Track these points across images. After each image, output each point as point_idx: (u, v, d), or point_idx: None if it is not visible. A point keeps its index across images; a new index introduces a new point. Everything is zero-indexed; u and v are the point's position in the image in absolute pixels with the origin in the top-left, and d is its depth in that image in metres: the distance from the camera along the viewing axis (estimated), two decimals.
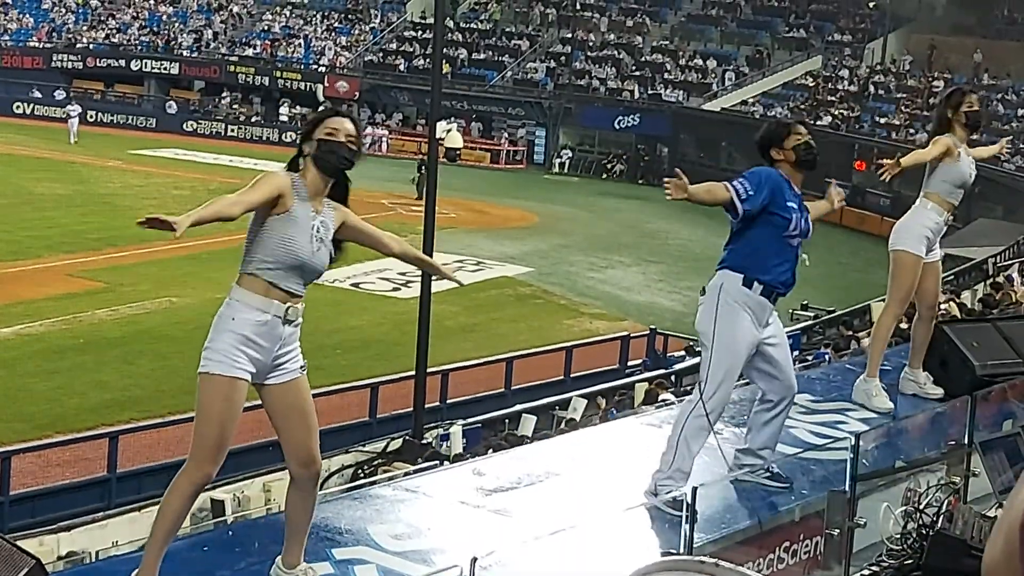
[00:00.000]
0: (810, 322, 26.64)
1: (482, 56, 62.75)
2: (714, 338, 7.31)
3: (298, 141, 6.01)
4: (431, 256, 20.16)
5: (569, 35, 62.87)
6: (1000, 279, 23.77)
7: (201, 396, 5.75)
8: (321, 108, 5.77)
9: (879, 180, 9.58)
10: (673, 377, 20.90)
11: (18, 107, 60.67)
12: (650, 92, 58.78)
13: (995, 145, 10.58)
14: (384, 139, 60.09)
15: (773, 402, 7.59)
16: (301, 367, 5.95)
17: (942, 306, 22.04)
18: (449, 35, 59.88)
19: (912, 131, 51.79)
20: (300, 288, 5.86)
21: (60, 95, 61.32)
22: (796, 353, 21.02)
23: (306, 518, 6.09)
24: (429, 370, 19.85)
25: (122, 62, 64.79)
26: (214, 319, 5.79)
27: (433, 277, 6.89)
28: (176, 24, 67.57)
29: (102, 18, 68.13)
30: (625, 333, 26.85)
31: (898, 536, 6.38)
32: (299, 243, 5.76)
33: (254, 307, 5.75)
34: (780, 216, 7.32)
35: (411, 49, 63.42)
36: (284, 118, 61.17)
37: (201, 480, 5.80)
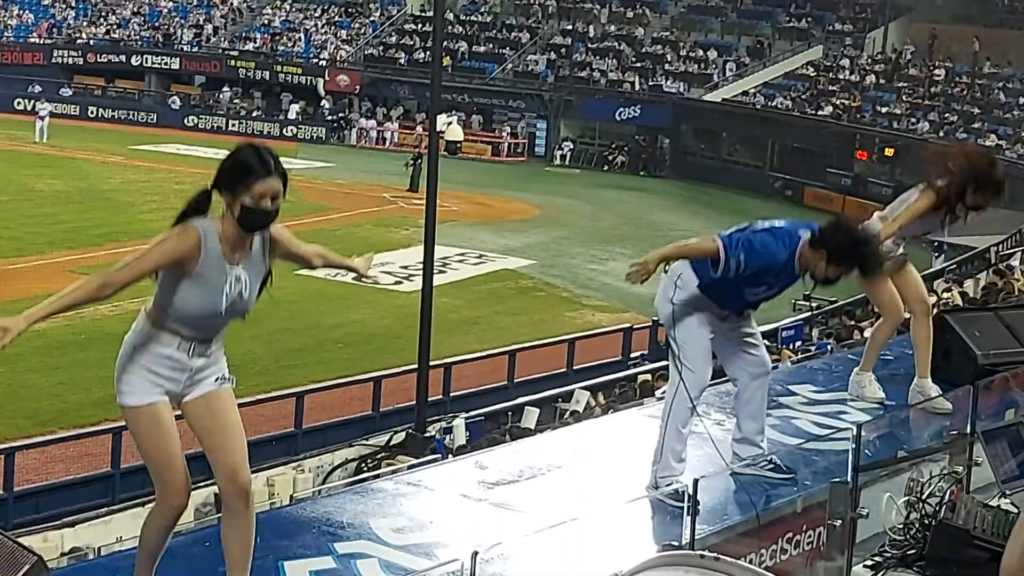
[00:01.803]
0: (812, 312, 26.62)
1: (482, 49, 62.70)
2: (674, 320, 7.31)
3: (218, 178, 5.43)
4: (432, 251, 20.25)
5: (569, 27, 62.84)
6: (1002, 267, 23.75)
7: (131, 430, 5.60)
8: (242, 151, 5.40)
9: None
10: None
11: (19, 103, 60.62)
12: (651, 83, 58.72)
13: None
14: (393, 133, 60.07)
15: (750, 384, 7.57)
16: (217, 380, 5.62)
17: (944, 295, 22.06)
18: (449, 28, 59.85)
19: (913, 120, 51.75)
20: (212, 334, 5.56)
21: (38, 89, 61.12)
22: (798, 344, 21.03)
23: (243, 550, 5.65)
24: (432, 363, 19.83)
25: (122, 57, 64.76)
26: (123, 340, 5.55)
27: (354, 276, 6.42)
28: (176, 19, 67.52)
29: (102, 13, 68.10)
30: (627, 325, 26.81)
31: (900, 526, 6.37)
32: (204, 304, 5.43)
33: (156, 341, 5.49)
34: (753, 283, 7.25)
35: (411, 42, 63.38)
36: (292, 115, 61.11)
37: (172, 513, 5.64)
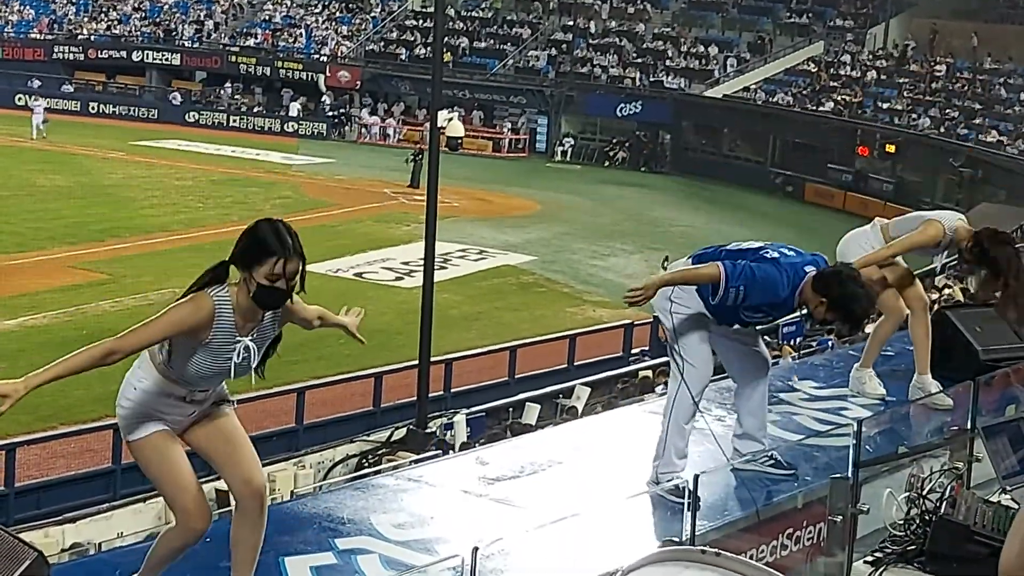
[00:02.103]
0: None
1: (483, 44, 62.66)
2: (672, 315, 7.32)
3: (231, 256, 5.42)
4: (433, 247, 20.25)
5: (570, 22, 62.78)
6: None
7: (139, 463, 5.62)
8: (261, 228, 5.35)
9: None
10: None
11: (20, 99, 60.60)
12: (652, 79, 58.69)
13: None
14: (395, 130, 60.07)
15: (751, 380, 7.58)
16: (216, 403, 5.67)
17: (946, 291, 22.04)
18: (450, 23, 59.80)
19: (915, 116, 51.72)
20: (214, 387, 5.61)
21: (37, 84, 61.09)
22: (799, 340, 21.04)
23: (251, 551, 5.71)
24: (433, 359, 19.84)
25: (123, 53, 64.75)
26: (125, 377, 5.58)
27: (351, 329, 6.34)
28: (177, 14, 67.49)
29: (103, 9, 68.08)
30: (628, 321, 26.81)
31: (901, 522, 6.37)
32: (211, 369, 5.46)
33: (159, 389, 5.52)
34: (752, 310, 7.22)
35: (412, 38, 63.35)
36: (293, 112, 61.08)
37: (191, 536, 5.65)
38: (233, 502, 5.75)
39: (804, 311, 7.33)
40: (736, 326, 7.43)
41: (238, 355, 5.45)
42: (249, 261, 5.36)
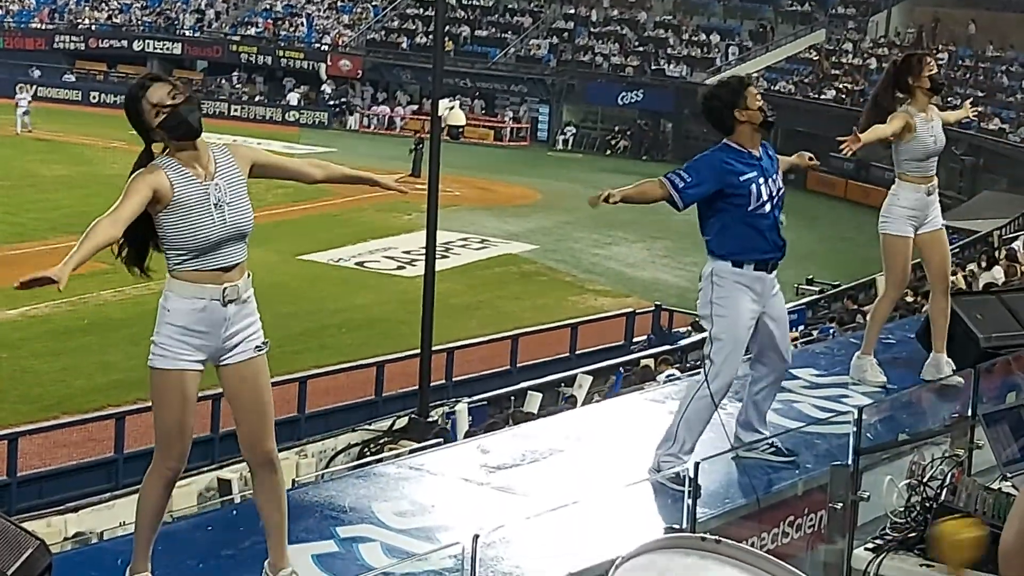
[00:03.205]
0: (815, 296, 26.63)
1: (484, 33, 62.61)
2: (713, 322, 7.31)
3: (139, 134, 5.66)
4: (435, 236, 20.23)
5: (571, 11, 62.73)
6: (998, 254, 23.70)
7: (152, 391, 5.61)
8: (126, 96, 5.79)
9: (842, 155, 9.35)
10: (679, 352, 20.89)
11: (21, 89, 60.48)
12: (653, 67, 58.65)
13: (960, 110, 10.29)
14: (399, 118, 60.04)
15: (766, 376, 7.58)
16: (257, 347, 5.69)
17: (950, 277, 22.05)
18: (451, 12, 59.72)
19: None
20: (232, 258, 5.56)
21: (36, 73, 60.93)
22: (801, 328, 21.05)
23: (279, 514, 5.78)
24: (434, 348, 19.85)
25: (124, 42, 64.72)
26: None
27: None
28: (178, 3, 67.47)
29: None
30: (630, 309, 26.85)
31: (902, 509, 6.37)
32: (201, 224, 5.47)
33: (186, 296, 5.50)
34: (737, 195, 7.23)
35: (413, 27, 63.30)
36: (294, 102, 61.05)
37: (169, 475, 5.68)
38: (249, 473, 5.90)
39: (763, 149, 7.39)
40: (778, 257, 7.40)
41: (212, 196, 5.48)
42: (139, 125, 5.60)
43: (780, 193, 7.40)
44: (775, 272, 7.46)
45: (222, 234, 5.50)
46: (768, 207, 7.32)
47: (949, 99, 51.29)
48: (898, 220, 9.08)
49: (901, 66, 9.23)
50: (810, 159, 8.18)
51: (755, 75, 56.48)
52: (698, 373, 7.58)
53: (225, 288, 5.53)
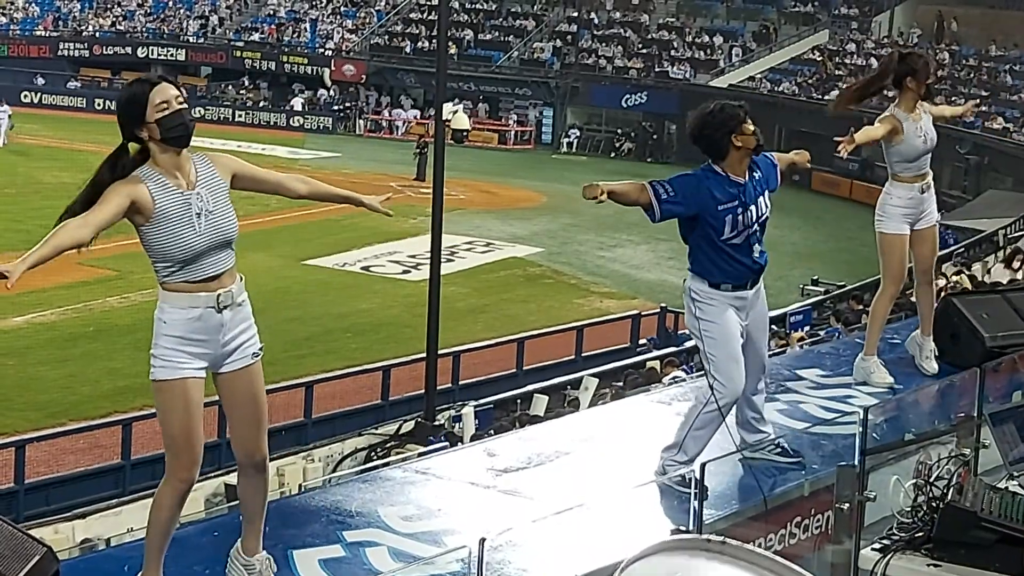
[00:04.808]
0: (820, 297, 26.62)
1: (488, 36, 62.61)
2: (704, 341, 7.28)
3: (125, 128, 5.57)
4: (439, 239, 20.21)
5: (575, 14, 62.71)
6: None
7: (157, 403, 5.61)
8: (124, 90, 5.74)
9: (837, 155, 9.33)
10: (685, 354, 20.89)
11: (25, 96, 60.66)
12: (657, 70, 58.62)
13: (961, 106, 10.20)
14: (403, 122, 60.04)
15: (752, 377, 7.55)
16: (255, 353, 5.67)
17: (953, 278, 22.03)
18: (454, 16, 59.74)
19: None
20: (220, 266, 5.54)
21: (40, 81, 60.78)
22: (807, 328, 21.04)
23: (259, 506, 5.88)
24: (440, 352, 19.87)
25: (128, 49, 64.74)
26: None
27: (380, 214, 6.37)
28: (181, 10, 67.54)
29: (108, 6, 68.10)
30: (636, 311, 26.86)
31: (908, 509, 6.37)
32: (185, 234, 5.44)
33: (181, 306, 5.49)
34: (711, 226, 7.17)
35: (416, 31, 63.31)
36: (297, 107, 61.07)
37: (183, 487, 5.68)
38: (238, 469, 5.91)
39: (738, 166, 7.33)
40: (757, 275, 7.35)
41: (194, 205, 5.46)
42: (134, 117, 5.52)
43: (763, 219, 7.31)
44: (756, 286, 7.40)
45: (207, 243, 5.49)
46: (741, 238, 7.22)
47: (953, 98, 51.33)
48: (893, 218, 9.10)
49: (903, 63, 9.14)
50: (808, 160, 8.17)
51: (759, 76, 56.56)
52: (703, 376, 7.57)
53: (219, 294, 5.53)
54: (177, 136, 5.51)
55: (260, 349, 5.71)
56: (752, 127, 7.29)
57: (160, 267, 5.52)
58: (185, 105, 5.54)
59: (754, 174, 7.35)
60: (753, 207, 7.24)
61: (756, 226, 7.27)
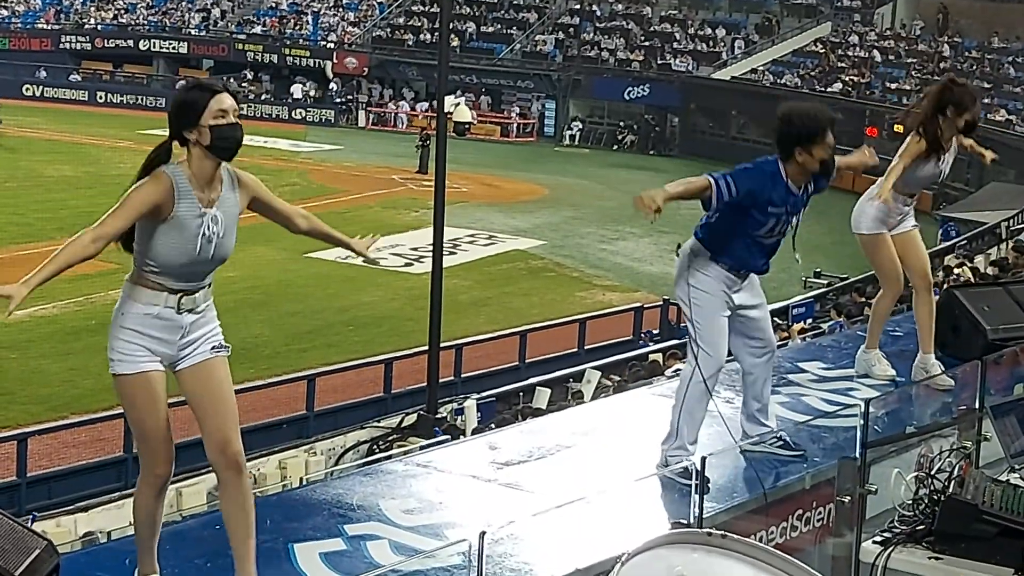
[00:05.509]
0: (823, 289, 26.62)
1: (490, 29, 62.58)
2: (691, 303, 7.27)
3: (174, 126, 5.52)
4: (442, 232, 20.21)
5: (577, 6, 62.67)
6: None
7: (121, 399, 5.56)
8: (188, 84, 5.78)
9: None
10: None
11: (27, 89, 60.67)
12: (659, 62, 58.59)
13: (981, 149, 9.86)
14: (405, 115, 60.03)
15: (756, 363, 7.55)
16: (214, 348, 5.57)
17: (955, 271, 22.03)
18: (457, 8, 59.72)
19: (923, 96, 51.52)
20: (197, 282, 5.51)
21: (42, 74, 60.59)
22: (809, 321, 21.05)
23: (245, 526, 5.58)
24: (442, 345, 19.86)
25: (130, 42, 64.74)
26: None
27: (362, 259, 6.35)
28: (183, 2, 67.51)
29: None
30: (638, 304, 26.86)
31: (910, 502, 6.36)
32: (185, 248, 5.40)
33: (141, 301, 5.42)
34: (755, 218, 7.15)
35: (419, 23, 63.27)
36: (297, 95, 61.06)
37: (158, 483, 5.63)
38: (216, 478, 5.70)
39: (807, 184, 7.26)
40: (759, 270, 7.36)
41: (207, 227, 5.42)
42: (190, 118, 5.48)
43: (796, 225, 7.33)
44: (748, 279, 7.39)
45: (201, 263, 5.47)
46: (771, 239, 7.27)
47: None
48: (870, 220, 8.96)
49: (949, 93, 8.81)
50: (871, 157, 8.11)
51: (761, 69, 56.49)
52: (686, 363, 7.56)
53: (181, 298, 5.47)
54: (225, 148, 5.50)
55: (223, 345, 5.60)
56: (825, 153, 7.15)
57: (143, 261, 5.46)
58: (239, 121, 5.54)
59: (809, 185, 7.34)
60: (795, 217, 7.29)
61: (786, 234, 7.32)
